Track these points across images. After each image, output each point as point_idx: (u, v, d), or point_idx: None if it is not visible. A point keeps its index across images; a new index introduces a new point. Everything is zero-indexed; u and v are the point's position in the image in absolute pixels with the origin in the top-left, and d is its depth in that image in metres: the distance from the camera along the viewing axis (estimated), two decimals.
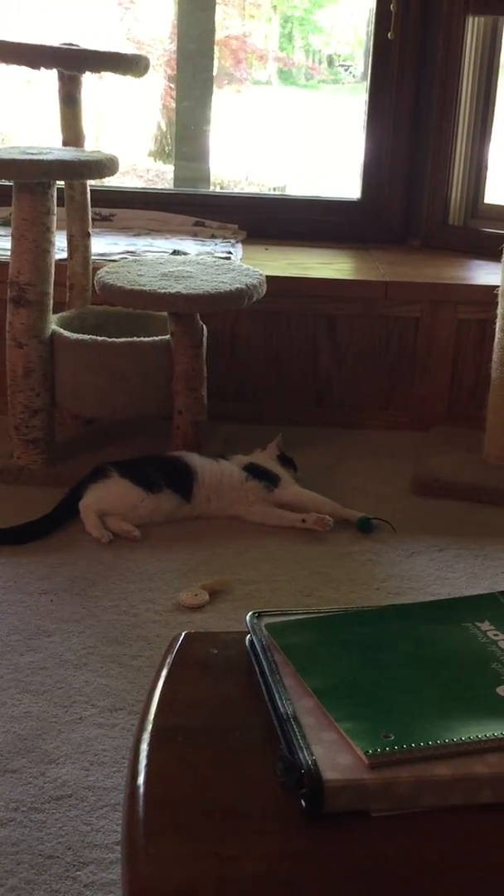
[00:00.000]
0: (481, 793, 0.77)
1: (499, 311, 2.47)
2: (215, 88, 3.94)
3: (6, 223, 2.54)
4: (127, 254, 2.86)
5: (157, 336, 2.41)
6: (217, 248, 3.01)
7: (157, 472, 2.23)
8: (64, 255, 2.61)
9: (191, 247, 3.00)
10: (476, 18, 3.05)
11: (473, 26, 3.06)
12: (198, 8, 3.79)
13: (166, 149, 4.59)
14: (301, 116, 5.11)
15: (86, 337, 2.37)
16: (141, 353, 2.36)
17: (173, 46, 4.01)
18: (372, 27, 3.17)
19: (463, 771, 0.77)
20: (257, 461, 2.34)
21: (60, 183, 2.46)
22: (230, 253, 2.94)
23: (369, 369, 2.82)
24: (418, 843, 0.74)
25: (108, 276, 2.39)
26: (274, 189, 4.67)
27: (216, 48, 4.05)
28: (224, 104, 4.26)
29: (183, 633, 0.99)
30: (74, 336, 2.37)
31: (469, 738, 0.79)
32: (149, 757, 0.82)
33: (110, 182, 2.98)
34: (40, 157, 2.21)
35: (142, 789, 0.79)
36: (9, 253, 2.33)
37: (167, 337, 2.37)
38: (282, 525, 2.25)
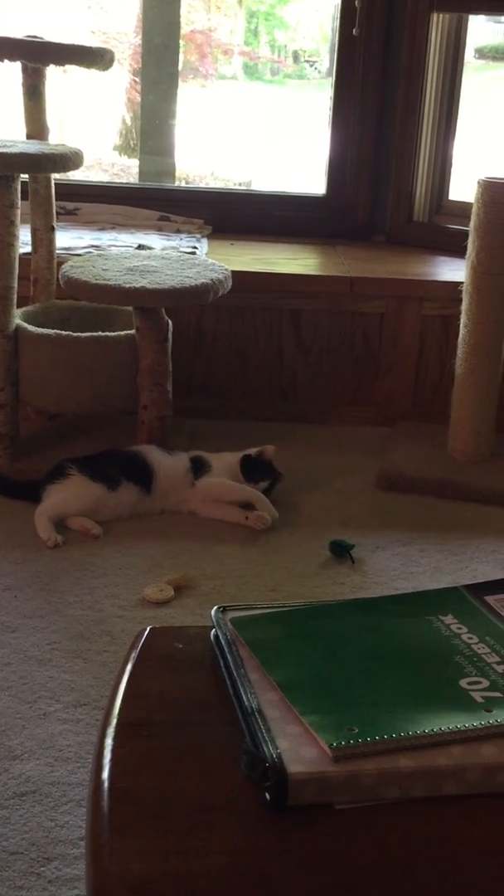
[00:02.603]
0: (444, 785, 0.77)
1: (463, 307, 2.48)
2: (180, 83, 3.93)
3: None
4: (92, 248, 2.85)
5: (122, 331, 2.41)
6: (182, 242, 3.00)
7: (116, 467, 2.22)
8: (28, 248, 2.60)
9: (156, 241, 2.99)
10: (441, 15, 3.07)
11: (438, 23, 3.07)
12: (163, 2, 3.77)
13: (131, 143, 4.57)
14: (266, 112, 5.10)
15: (50, 331, 2.36)
16: (106, 347, 2.35)
17: (138, 40, 3.99)
18: (337, 23, 3.18)
19: (426, 763, 0.77)
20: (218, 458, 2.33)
21: (24, 176, 2.44)
22: (195, 248, 2.94)
23: (334, 364, 2.83)
24: (382, 835, 0.74)
25: (72, 270, 2.37)
26: (239, 184, 4.66)
27: (181, 42, 4.04)
28: (189, 98, 4.24)
29: (148, 628, 0.99)
30: (39, 330, 2.36)
31: (432, 730, 0.79)
32: (113, 752, 0.82)
33: (75, 176, 2.97)
34: (4, 150, 2.20)
35: (106, 784, 0.78)
36: None
37: (132, 332, 2.37)
38: (227, 520, 2.25)
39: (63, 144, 2.46)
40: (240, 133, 4.99)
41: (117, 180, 4.37)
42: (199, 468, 2.28)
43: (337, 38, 3.19)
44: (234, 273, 2.48)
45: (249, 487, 2.27)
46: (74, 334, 2.35)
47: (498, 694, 0.84)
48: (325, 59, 4.48)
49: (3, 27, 3.35)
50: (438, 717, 0.81)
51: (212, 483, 2.27)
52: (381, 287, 2.79)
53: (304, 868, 0.71)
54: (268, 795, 0.75)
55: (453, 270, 2.84)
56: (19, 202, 2.29)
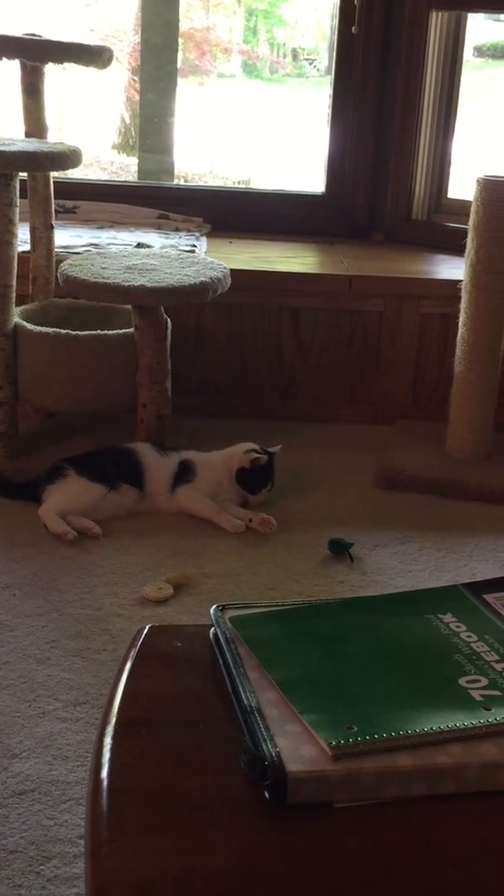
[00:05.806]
0: (443, 783, 0.77)
1: (462, 305, 2.48)
2: (179, 81, 3.92)
3: None
4: (90, 246, 2.85)
5: (121, 329, 2.41)
6: (181, 241, 3.00)
7: (112, 466, 2.22)
8: (27, 247, 2.60)
9: (155, 240, 2.99)
10: (439, 13, 3.07)
11: (437, 21, 3.07)
12: (162, 0, 3.77)
13: (130, 141, 4.56)
14: (265, 110, 5.10)
15: (49, 330, 2.35)
16: (105, 346, 2.35)
17: (137, 38, 3.99)
18: (336, 21, 3.17)
19: (425, 761, 0.77)
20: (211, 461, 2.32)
21: (23, 175, 2.44)
22: (194, 246, 2.93)
23: (333, 363, 2.83)
24: (381, 833, 0.74)
25: (71, 268, 2.37)
26: (238, 182, 4.66)
27: (180, 40, 4.03)
28: (188, 97, 4.24)
29: (147, 627, 0.99)
30: (38, 329, 2.36)
31: (431, 728, 0.79)
32: (112, 750, 0.82)
33: (74, 174, 2.96)
34: (2, 149, 2.20)
35: (105, 783, 0.78)
36: None
37: (131, 330, 2.37)
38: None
39: (62, 143, 2.46)
40: (239, 131, 4.98)
41: (116, 178, 4.37)
42: (183, 474, 2.27)
43: (336, 37, 3.18)
44: (233, 271, 2.48)
45: (217, 508, 2.23)
46: (73, 333, 2.35)
47: (497, 692, 0.84)
48: (324, 57, 4.48)
49: (2, 25, 3.34)
50: (437, 716, 0.81)
51: (187, 495, 2.24)
52: (380, 285, 2.78)
53: (303, 866, 0.71)
54: (267, 794, 0.75)
55: (452, 269, 2.83)
56: (18, 200, 2.29)
